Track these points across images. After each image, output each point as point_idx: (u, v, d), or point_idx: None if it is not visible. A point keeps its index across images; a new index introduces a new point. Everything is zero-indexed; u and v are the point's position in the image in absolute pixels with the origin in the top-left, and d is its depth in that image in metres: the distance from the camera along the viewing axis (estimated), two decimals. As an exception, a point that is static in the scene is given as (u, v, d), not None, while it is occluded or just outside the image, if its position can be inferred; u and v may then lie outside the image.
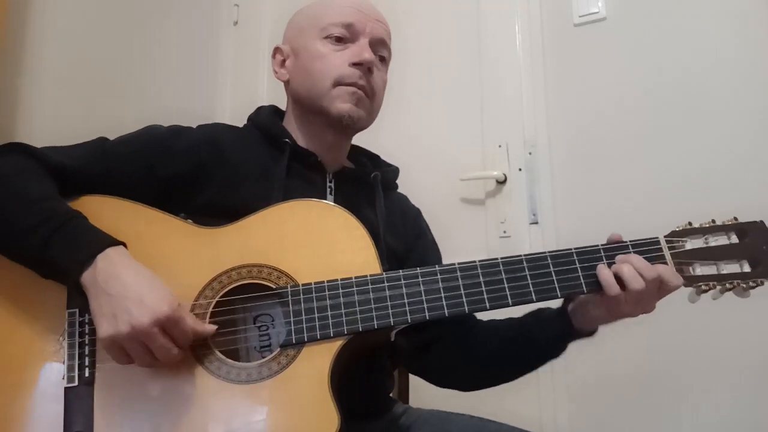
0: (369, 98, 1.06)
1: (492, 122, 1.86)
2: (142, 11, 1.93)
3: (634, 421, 1.58)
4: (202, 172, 1.00)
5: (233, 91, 2.22)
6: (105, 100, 1.74)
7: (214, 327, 0.86)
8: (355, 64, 1.03)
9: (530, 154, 1.80)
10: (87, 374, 0.84)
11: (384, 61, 1.12)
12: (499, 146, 1.83)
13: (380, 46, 1.09)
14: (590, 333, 0.98)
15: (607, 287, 0.87)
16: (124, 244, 0.87)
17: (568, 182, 1.76)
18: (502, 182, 1.81)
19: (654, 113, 1.68)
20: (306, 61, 1.07)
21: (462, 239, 1.82)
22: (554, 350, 1.02)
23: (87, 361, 0.85)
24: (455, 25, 1.98)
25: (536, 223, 1.76)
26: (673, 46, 1.69)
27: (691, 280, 0.89)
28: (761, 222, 0.91)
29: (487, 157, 1.84)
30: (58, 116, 1.59)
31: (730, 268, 0.89)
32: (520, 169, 1.80)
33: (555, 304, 0.99)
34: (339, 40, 1.05)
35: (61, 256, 0.83)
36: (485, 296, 0.89)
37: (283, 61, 1.11)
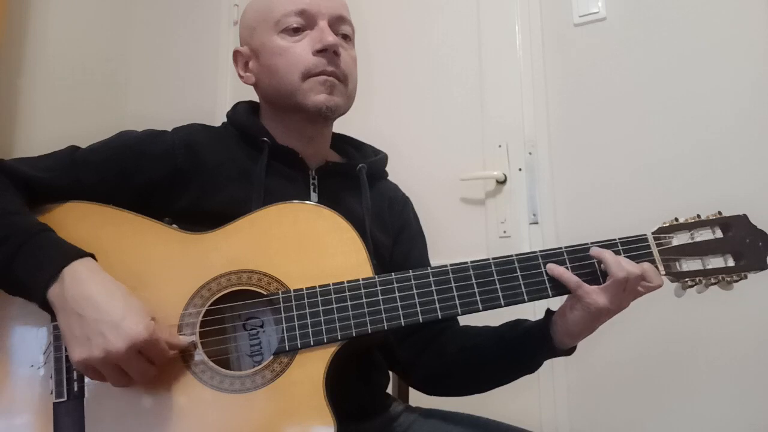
0: (342, 83, 1.01)
1: (492, 122, 1.85)
2: (142, 12, 1.94)
3: (634, 420, 1.57)
4: (180, 177, 0.97)
5: (233, 91, 2.22)
6: (105, 100, 1.75)
7: (189, 338, 0.83)
8: (319, 51, 0.99)
9: (530, 154, 1.80)
10: (76, 388, 0.82)
11: (348, 38, 1.06)
12: (499, 146, 1.83)
13: (340, 24, 1.04)
14: (569, 351, 0.96)
15: (568, 281, 0.87)
16: (93, 256, 0.83)
17: (568, 182, 1.76)
18: (502, 182, 1.81)
19: (654, 113, 1.68)
20: (268, 59, 1.02)
21: (462, 239, 1.82)
22: (531, 366, 1.00)
23: (75, 374, 0.82)
24: (455, 25, 1.98)
25: (536, 223, 1.76)
26: (673, 46, 1.68)
27: (677, 276, 0.90)
28: (744, 216, 0.91)
29: (487, 157, 1.84)
30: (58, 116, 1.59)
31: (714, 262, 0.90)
32: (520, 169, 1.80)
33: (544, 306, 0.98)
34: (296, 30, 1.00)
35: (25, 274, 0.80)
36: (477, 298, 0.88)
37: (246, 63, 1.07)
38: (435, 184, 1.85)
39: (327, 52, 0.99)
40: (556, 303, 0.96)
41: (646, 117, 1.68)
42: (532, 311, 1.04)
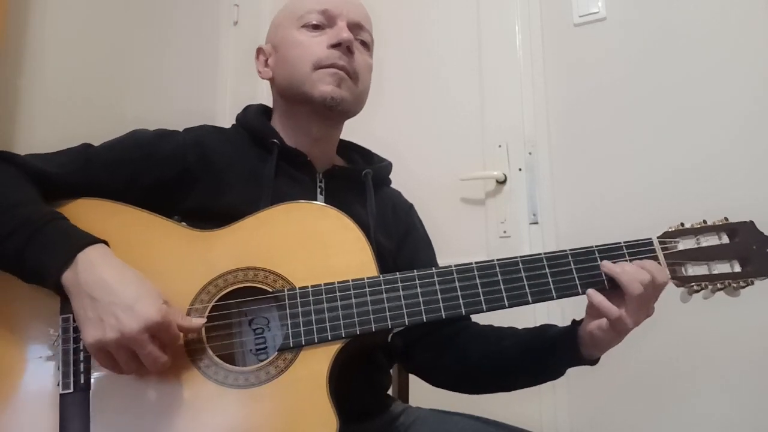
0: (352, 79, 1.03)
1: (492, 122, 1.86)
2: (142, 11, 1.93)
3: (634, 420, 1.58)
4: (189, 177, 0.98)
5: (233, 91, 2.22)
6: (105, 100, 1.74)
7: (202, 320, 0.84)
8: (333, 46, 1.02)
9: (530, 154, 1.80)
10: (82, 380, 0.82)
11: (366, 45, 1.09)
12: (499, 146, 1.83)
13: (359, 30, 1.07)
14: (594, 361, 0.97)
15: (607, 312, 0.87)
16: (106, 243, 0.85)
17: (568, 182, 1.76)
18: (502, 182, 1.81)
19: (653, 113, 1.68)
20: (286, 51, 1.06)
21: (462, 239, 1.82)
22: (556, 373, 1.01)
23: (82, 367, 0.83)
24: (455, 25, 1.98)
25: (536, 223, 1.76)
26: (673, 46, 1.69)
27: (683, 281, 0.90)
28: (751, 222, 0.91)
29: (487, 157, 1.84)
30: (58, 116, 1.59)
31: (721, 268, 0.89)
32: (520, 169, 1.80)
33: (550, 311, 0.98)
34: (316, 27, 1.04)
35: (39, 258, 0.81)
36: (482, 298, 0.88)
37: (266, 60, 1.11)
38: (435, 184, 1.85)
39: (341, 46, 1.02)
40: (561, 305, 0.95)
41: (646, 117, 1.68)
42: (533, 313, 1.04)
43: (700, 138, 1.61)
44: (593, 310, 0.90)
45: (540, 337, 1.00)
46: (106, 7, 1.80)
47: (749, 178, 1.54)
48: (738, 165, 1.56)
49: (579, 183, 1.75)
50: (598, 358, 0.97)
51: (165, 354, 0.80)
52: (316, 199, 1.04)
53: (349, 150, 1.18)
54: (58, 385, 0.83)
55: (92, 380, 0.83)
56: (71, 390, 0.82)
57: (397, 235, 1.12)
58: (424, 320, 0.87)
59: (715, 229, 0.91)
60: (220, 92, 2.23)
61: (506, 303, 0.89)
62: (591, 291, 0.88)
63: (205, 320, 0.85)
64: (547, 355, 0.98)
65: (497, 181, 1.81)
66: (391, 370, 1.15)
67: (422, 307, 0.88)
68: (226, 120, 2.06)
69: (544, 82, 1.83)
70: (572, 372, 1.01)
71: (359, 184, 1.09)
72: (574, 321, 0.97)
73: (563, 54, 1.83)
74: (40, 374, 0.84)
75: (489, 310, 0.89)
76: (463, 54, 1.94)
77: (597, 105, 1.75)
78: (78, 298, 0.79)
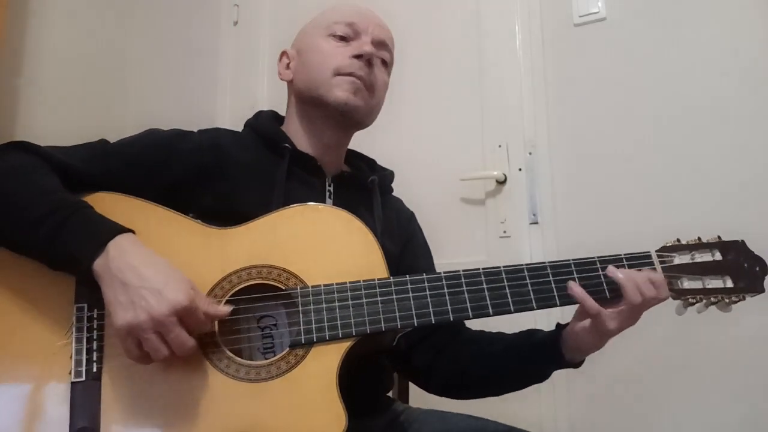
0: (368, 91, 1.07)
1: (492, 122, 1.86)
2: (142, 12, 1.94)
3: (634, 421, 1.58)
4: (204, 176, 1.00)
5: (233, 91, 2.22)
6: (105, 100, 1.75)
7: (229, 308, 0.86)
8: (355, 56, 1.05)
9: (530, 154, 1.80)
10: (94, 369, 0.84)
11: (385, 64, 1.14)
12: (499, 146, 1.83)
13: (381, 48, 1.11)
14: (577, 364, 1.00)
15: (588, 308, 0.89)
16: (133, 232, 0.87)
17: (568, 182, 1.76)
18: (502, 182, 1.81)
19: (653, 113, 1.68)
20: (309, 55, 1.09)
21: (462, 239, 1.82)
22: (540, 376, 1.05)
23: (95, 356, 0.85)
24: (455, 25, 1.98)
25: (536, 223, 1.76)
26: (673, 46, 1.69)
27: (679, 293, 0.93)
28: (742, 241, 0.96)
29: (487, 157, 1.84)
30: (58, 116, 1.59)
31: (714, 283, 0.94)
32: (520, 169, 1.80)
33: (550, 319, 1.01)
34: (342, 38, 1.08)
35: (72, 245, 0.83)
36: (488, 302, 0.91)
37: (288, 63, 1.14)
38: (435, 184, 1.85)
39: (362, 57, 1.06)
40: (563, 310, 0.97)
41: (646, 117, 1.69)
42: (533, 317, 1.05)
43: (700, 137, 1.61)
44: (579, 312, 0.94)
45: (526, 340, 1.04)
46: (106, 7, 1.80)
47: (748, 170, 1.54)
48: (737, 159, 1.56)
49: (579, 183, 1.75)
50: (582, 361, 1.00)
51: (191, 339, 0.81)
52: (325, 203, 1.06)
53: (354, 158, 1.20)
54: (70, 373, 0.84)
55: (104, 369, 0.84)
56: (83, 378, 0.84)
57: (400, 242, 1.15)
58: (433, 322, 0.90)
59: (708, 246, 0.96)
60: (220, 92, 2.23)
61: (512, 308, 0.91)
62: (571, 283, 0.91)
63: (231, 308, 0.86)
64: (533, 358, 1.02)
65: (497, 181, 1.81)
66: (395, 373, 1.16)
67: (431, 309, 0.90)
68: (225, 120, 2.06)
69: (544, 82, 1.83)
70: (572, 372, 1.02)
71: (365, 191, 1.12)
72: (558, 324, 1.01)
73: (563, 54, 1.83)
74: (53, 362, 0.85)
75: (495, 314, 0.91)
76: (463, 54, 1.94)
77: (597, 105, 1.75)
78: (109, 284, 0.81)
